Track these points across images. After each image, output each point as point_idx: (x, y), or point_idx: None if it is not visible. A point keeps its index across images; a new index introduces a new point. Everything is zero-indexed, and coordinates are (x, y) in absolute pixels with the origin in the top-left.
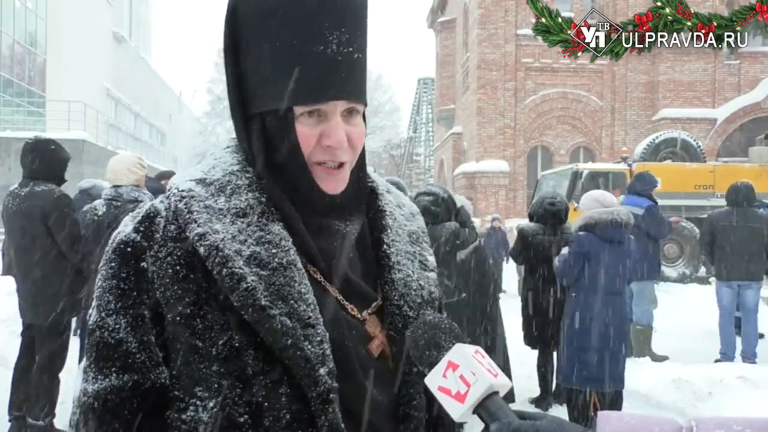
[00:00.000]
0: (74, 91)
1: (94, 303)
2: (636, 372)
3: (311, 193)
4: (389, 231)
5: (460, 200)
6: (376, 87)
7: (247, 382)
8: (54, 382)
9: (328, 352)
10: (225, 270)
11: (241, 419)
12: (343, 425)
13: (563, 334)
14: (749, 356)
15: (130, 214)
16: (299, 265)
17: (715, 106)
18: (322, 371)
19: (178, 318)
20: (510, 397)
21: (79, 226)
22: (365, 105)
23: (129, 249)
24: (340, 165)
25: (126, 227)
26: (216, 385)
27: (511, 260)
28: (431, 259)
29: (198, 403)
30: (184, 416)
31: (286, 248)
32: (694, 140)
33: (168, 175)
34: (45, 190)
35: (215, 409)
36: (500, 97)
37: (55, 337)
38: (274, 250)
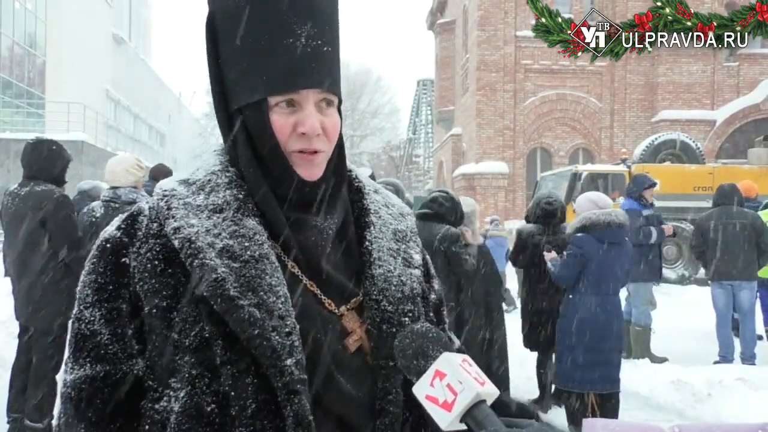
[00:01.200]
0: (74, 93)
1: (76, 297)
2: (635, 373)
3: (291, 181)
4: (372, 228)
5: (471, 203)
6: (375, 88)
7: (215, 372)
8: (51, 384)
9: (297, 343)
10: (196, 261)
11: (209, 408)
12: (311, 417)
13: (559, 336)
14: (747, 358)
15: (120, 215)
16: (272, 258)
17: (714, 107)
18: (288, 362)
19: (154, 310)
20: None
21: (77, 228)
22: (339, 97)
23: (109, 245)
24: (316, 152)
25: (111, 226)
26: (187, 376)
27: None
28: (416, 257)
29: (171, 393)
30: (157, 406)
31: (260, 242)
32: (693, 142)
33: (159, 169)
34: (45, 190)
35: (185, 399)
36: (499, 99)
37: (52, 339)
38: (246, 244)
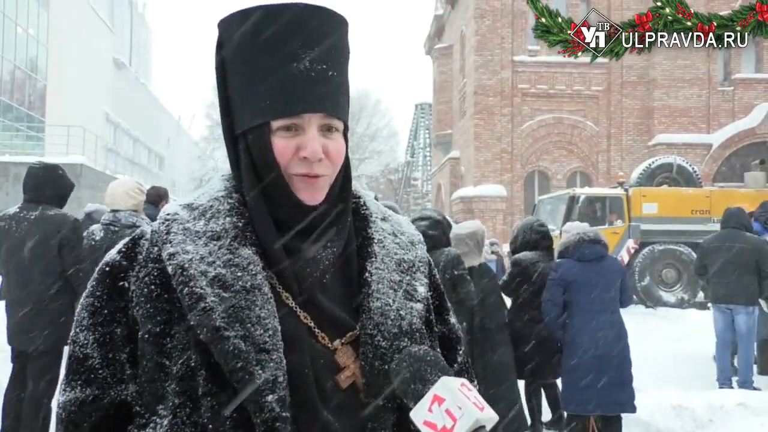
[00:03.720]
0: (74, 116)
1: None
2: (636, 399)
3: (291, 205)
4: (374, 259)
5: (473, 226)
6: (374, 112)
7: (196, 402)
8: (48, 409)
9: (281, 379)
10: (186, 289)
11: None
12: None
13: (562, 359)
14: (743, 384)
15: (124, 238)
16: (265, 289)
17: (710, 131)
18: (270, 398)
19: (147, 336)
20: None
21: (83, 252)
22: (345, 123)
23: (108, 269)
24: (317, 176)
25: (113, 250)
26: (171, 404)
27: None
28: (421, 290)
29: (157, 420)
30: None
31: (253, 272)
32: (690, 165)
33: (154, 192)
34: (59, 215)
35: (167, 428)
36: (497, 123)
37: (53, 364)
38: (239, 273)
